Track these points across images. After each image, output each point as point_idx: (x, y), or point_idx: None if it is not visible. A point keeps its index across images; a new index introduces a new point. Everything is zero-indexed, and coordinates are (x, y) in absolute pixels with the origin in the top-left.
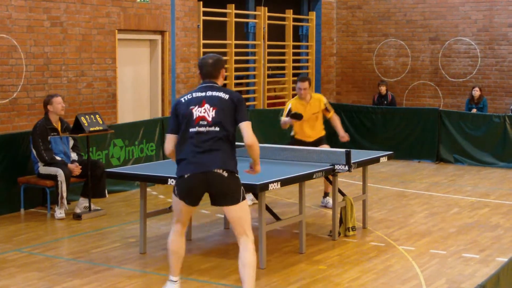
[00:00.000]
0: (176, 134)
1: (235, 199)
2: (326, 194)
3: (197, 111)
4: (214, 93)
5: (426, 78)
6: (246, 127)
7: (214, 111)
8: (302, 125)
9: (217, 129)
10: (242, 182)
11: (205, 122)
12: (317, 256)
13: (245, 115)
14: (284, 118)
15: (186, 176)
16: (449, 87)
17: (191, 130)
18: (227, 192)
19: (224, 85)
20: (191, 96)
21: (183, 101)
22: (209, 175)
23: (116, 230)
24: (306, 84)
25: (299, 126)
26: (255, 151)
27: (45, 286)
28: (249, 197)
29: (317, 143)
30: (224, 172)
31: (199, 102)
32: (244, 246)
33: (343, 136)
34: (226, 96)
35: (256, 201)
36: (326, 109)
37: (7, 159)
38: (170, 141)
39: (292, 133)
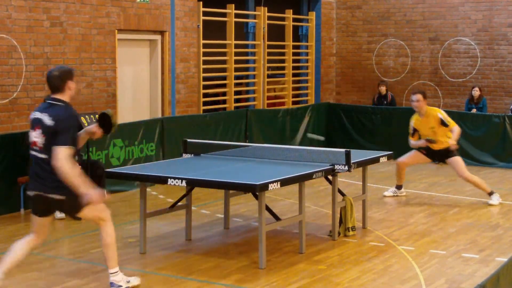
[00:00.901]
0: None
1: (76, 211)
2: (399, 187)
3: (32, 135)
4: (45, 117)
5: (426, 78)
6: (55, 150)
7: (44, 138)
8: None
9: (44, 156)
10: (242, 182)
11: (37, 148)
12: (317, 256)
13: (62, 140)
14: (413, 142)
15: (31, 194)
16: (448, 87)
17: (30, 152)
18: (67, 212)
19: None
20: (33, 116)
21: (31, 117)
22: (44, 198)
23: (116, 230)
24: (418, 96)
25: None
26: (65, 175)
27: (45, 286)
28: (496, 197)
29: (445, 153)
30: (56, 195)
31: (36, 124)
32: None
33: (453, 144)
34: (51, 122)
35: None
36: (442, 123)
37: (7, 159)
38: None
39: None
